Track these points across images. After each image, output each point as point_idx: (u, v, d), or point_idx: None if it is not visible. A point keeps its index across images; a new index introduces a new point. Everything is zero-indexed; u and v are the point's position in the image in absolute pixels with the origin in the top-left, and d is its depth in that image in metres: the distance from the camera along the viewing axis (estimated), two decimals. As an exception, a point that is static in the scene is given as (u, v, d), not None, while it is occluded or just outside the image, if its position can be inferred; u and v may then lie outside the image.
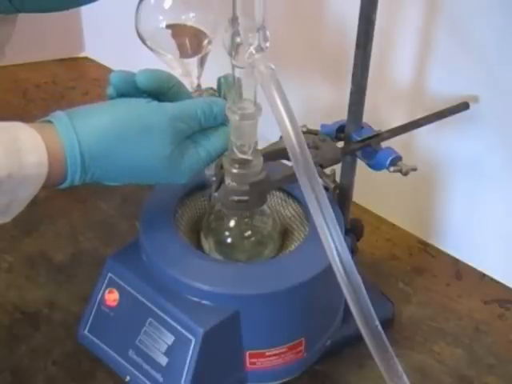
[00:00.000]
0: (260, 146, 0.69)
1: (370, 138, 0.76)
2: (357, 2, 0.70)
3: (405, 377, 0.54)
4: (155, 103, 0.64)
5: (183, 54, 0.72)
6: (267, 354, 0.70)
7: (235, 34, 0.60)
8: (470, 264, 0.94)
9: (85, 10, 1.13)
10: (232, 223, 0.73)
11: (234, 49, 0.61)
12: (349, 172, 0.79)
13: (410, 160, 0.76)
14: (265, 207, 0.73)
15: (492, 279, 0.92)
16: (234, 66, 0.63)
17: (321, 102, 0.98)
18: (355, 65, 0.73)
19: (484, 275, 0.93)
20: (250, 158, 0.67)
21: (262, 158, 0.68)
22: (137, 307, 0.69)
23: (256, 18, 0.59)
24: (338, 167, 0.78)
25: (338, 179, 0.78)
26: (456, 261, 0.95)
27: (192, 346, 0.66)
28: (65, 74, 1.29)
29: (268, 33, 0.60)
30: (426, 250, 0.97)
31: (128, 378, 0.70)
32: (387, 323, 0.80)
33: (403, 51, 0.88)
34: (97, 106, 0.64)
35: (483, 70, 0.82)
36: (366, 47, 0.72)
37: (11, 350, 0.80)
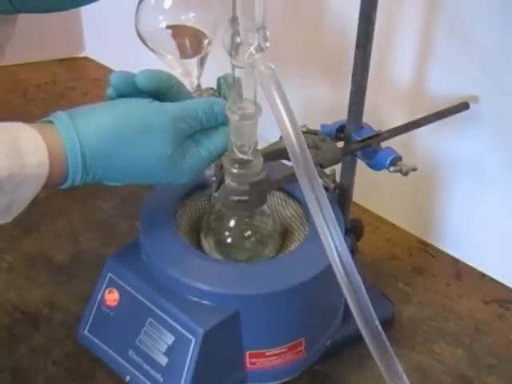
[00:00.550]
0: (260, 146, 0.69)
1: (370, 137, 0.76)
2: (357, 2, 0.70)
3: (405, 377, 0.54)
4: (156, 103, 0.64)
5: (183, 54, 0.72)
6: (267, 353, 0.70)
7: (235, 34, 0.60)
8: (470, 264, 0.94)
9: (85, 10, 1.13)
10: (232, 223, 0.73)
11: (234, 49, 0.61)
12: (349, 172, 0.79)
13: (410, 160, 0.76)
14: (265, 207, 0.73)
15: (492, 279, 0.92)
16: (233, 66, 0.63)
17: (321, 101, 0.98)
18: (355, 65, 0.73)
19: (484, 275, 0.93)
20: (249, 157, 0.67)
21: (261, 158, 0.68)
22: (137, 307, 0.69)
23: (256, 18, 0.59)
24: (338, 167, 0.78)
25: (338, 179, 0.78)
26: (456, 261, 0.95)
27: (192, 346, 0.66)
28: (65, 74, 1.29)
29: (268, 33, 0.60)
30: (426, 250, 0.97)
31: (128, 378, 0.70)
32: (387, 323, 0.80)
33: (403, 51, 0.88)
34: (97, 106, 0.64)
35: (483, 70, 0.82)
36: (365, 47, 0.72)
37: (11, 350, 0.80)
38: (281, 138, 0.66)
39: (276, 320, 0.70)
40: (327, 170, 0.75)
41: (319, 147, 0.74)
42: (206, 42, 0.72)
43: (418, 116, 0.80)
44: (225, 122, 0.67)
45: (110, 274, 0.72)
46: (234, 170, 0.67)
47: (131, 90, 0.65)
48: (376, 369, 0.53)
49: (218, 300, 0.67)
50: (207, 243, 0.74)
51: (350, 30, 0.72)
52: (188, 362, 0.66)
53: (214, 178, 0.71)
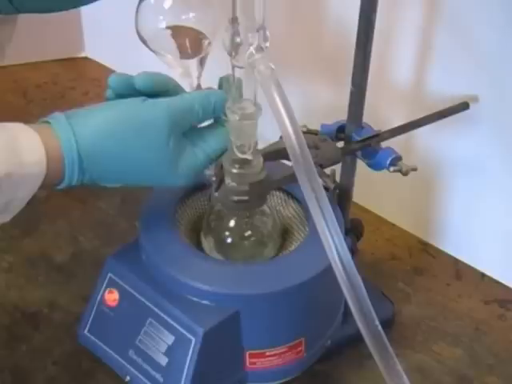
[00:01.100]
0: (260, 146, 0.69)
1: (370, 137, 0.76)
2: (357, 2, 0.70)
3: (405, 377, 0.54)
4: (150, 100, 0.64)
5: (183, 54, 0.72)
6: (267, 353, 0.70)
7: (235, 34, 0.61)
8: (470, 264, 0.94)
9: (85, 9, 1.13)
10: (232, 223, 0.73)
11: (234, 49, 0.61)
12: (349, 172, 0.79)
13: (409, 160, 0.76)
14: (265, 207, 0.73)
15: (492, 279, 0.92)
16: (233, 66, 0.63)
17: (321, 101, 0.98)
18: (355, 65, 0.73)
19: (484, 275, 0.93)
20: (249, 157, 0.67)
21: (262, 158, 0.68)
22: (137, 307, 0.69)
23: (256, 18, 0.59)
24: (338, 167, 0.77)
25: (338, 179, 0.78)
26: (456, 261, 0.95)
27: (192, 345, 0.66)
28: (65, 74, 1.29)
29: (268, 33, 0.60)
30: (426, 249, 0.97)
31: (128, 378, 0.70)
32: (387, 323, 0.80)
33: (403, 51, 0.88)
34: (94, 107, 0.64)
35: (483, 70, 0.82)
36: (365, 47, 0.72)
37: (11, 350, 0.80)
38: (281, 137, 0.66)
39: (276, 320, 0.70)
40: (327, 170, 0.75)
41: (319, 147, 0.74)
42: (206, 42, 0.72)
43: (418, 116, 0.80)
44: (222, 123, 0.67)
45: (110, 274, 0.72)
46: (234, 170, 0.67)
47: (129, 91, 0.65)
48: (376, 369, 0.53)
49: (218, 300, 0.67)
50: (207, 243, 0.74)
51: (350, 30, 0.72)
52: (188, 361, 0.66)
53: (214, 178, 0.71)
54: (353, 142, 0.76)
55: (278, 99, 0.55)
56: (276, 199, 0.79)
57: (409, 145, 0.90)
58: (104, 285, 0.72)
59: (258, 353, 0.70)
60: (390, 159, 0.75)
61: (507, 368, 0.81)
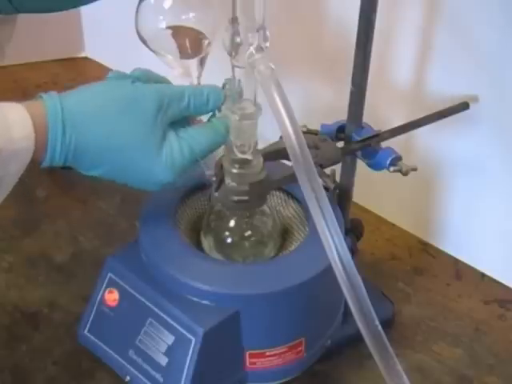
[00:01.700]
0: (260, 146, 0.69)
1: (369, 137, 0.76)
2: (357, 2, 0.70)
3: (405, 377, 0.54)
4: (140, 83, 0.65)
5: (183, 54, 0.72)
6: (267, 353, 0.70)
7: (235, 33, 0.61)
8: (470, 264, 0.94)
9: (85, 9, 1.13)
10: (232, 223, 0.73)
11: (234, 49, 0.61)
12: (349, 172, 0.79)
13: (409, 160, 0.76)
14: (265, 207, 0.73)
15: (492, 279, 0.92)
16: (234, 66, 0.63)
17: (321, 101, 0.98)
18: (355, 65, 0.73)
19: (484, 275, 0.93)
20: (249, 157, 0.67)
21: (262, 158, 0.68)
22: (137, 307, 0.70)
23: (256, 18, 0.59)
24: (338, 167, 0.78)
25: (338, 179, 0.78)
26: (456, 261, 0.95)
27: (192, 345, 0.66)
28: (65, 74, 1.29)
29: (268, 33, 0.60)
30: (426, 249, 0.97)
31: (128, 378, 0.70)
32: (387, 323, 0.80)
33: (403, 51, 0.88)
34: (87, 85, 0.65)
35: (483, 70, 0.82)
36: (365, 47, 0.72)
37: (11, 350, 0.80)
38: (281, 137, 0.66)
39: (276, 320, 0.70)
40: (327, 170, 0.75)
41: (319, 147, 0.74)
42: (206, 42, 0.72)
43: (418, 116, 0.80)
44: (215, 121, 0.67)
45: (110, 274, 0.72)
46: (234, 170, 0.68)
47: None
48: (376, 369, 0.53)
49: (218, 300, 0.67)
50: (207, 243, 0.74)
51: (350, 30, 0.72)
52: (188, 361, 0.66)
53: (214, 178, 0.71)
54: (353, 142, 0.76)
55: (277, 99, 0.55)
56: (276, 199, 0.79)
57: (409, 145, 0.90)
58: (104, 285, 0.72)
59: (257, 353, 0.70)
60: (390, 159, 0.75)
61: (507, 368, 0.81)
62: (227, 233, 0.73)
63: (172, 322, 0.67)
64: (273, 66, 0.57)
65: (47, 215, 0.98)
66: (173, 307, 0.68)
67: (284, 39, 0.90)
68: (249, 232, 0.73)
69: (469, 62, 0.82)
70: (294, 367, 0.73)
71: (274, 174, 0.70)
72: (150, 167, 0.64)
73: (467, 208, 0.91)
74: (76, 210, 1.00)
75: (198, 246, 0.74)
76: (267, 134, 0.69)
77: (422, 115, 0.80)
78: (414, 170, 0.75)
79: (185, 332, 0.66)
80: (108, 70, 1.28)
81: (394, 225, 1.00)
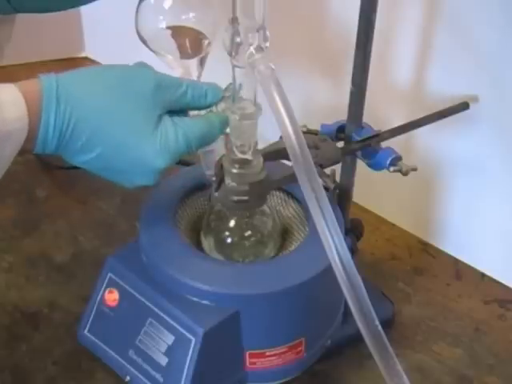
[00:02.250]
0: (260, 146, 0.69)
1: (369, 137, 0.76)
2: (357, 2, 0.70)
3: (405, 377, 0.54)
4: (140, 67, 0.66)
5: (183, 54, 0.72)
6: (267, 353, 0.70)
7: (235, 33, 0.61)
8: (470, 264, 0.94)
9: (85, 9, 1.13)
10: (232, 223, 0.73)
11: (234, 49, 0.61)
12: (349, 172, 0.79)
13: (409, 160, 0.76)
14: (265, 207, 0.73)
15: (492, 279, 0.92)
16: (234, 66, 0.63)
17: (321, 101, 0.98)
18: (355, 65, 0.73)
19: (484, 275, 0.93)
20: (249, 157, 0.67)
21: (262, 158, 0.68)
22: (137, 307, 0.70)
23: (256, 18, 0.59)
24: (338, 167, 0.78)
25: (338, 179, 0.78)
26: (456, 261, 0.95)
27: (192, 345, 0.66)
28: (65, 74, 1.29)
29: (268, 33, 0.60)
30: (426, 249, 0.97)
31: (128, 378, 0.70)
32: (387, 323, 0.80)
33: (403, 51, 0.88)
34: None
35: (483, 70, 0.82)
36: (365, 47, 0.72)
37: (11, 350, 0.80)
38: (281, 137, 0.66)
39: (276, 320, 0.70)
40: (327, 170, 0.75)
41: (319, 147, 0.74)
42: (206, 42, 0.72)
43: (418, 116, 0.80)
44: (211, 114, 0.67)
45: (110, 274, 0.72)
46: (234, 170, 0.68)
47: None
48: (376, 369, 0.53)
49: (218, 300, 0.67)
50: (207, 243, 0.74)
51: (350, 30, 0.72)
52: (188, 361, 0.66)
53: (214, 178, 0.71)
54: (353, 142, 0.76)
55: (277, 99, 0.55)
56: (276, 199, 0.79)
57: (409, 145, 0.90)
58: (104, 285, 0.72)
59: (257, 353, 0.70)
60: (390, 159, 0.75)
61: (507, 368, 0.81)
62: (227, 233, 0.73)
63: (172, 322, 0.67)
64: (273, 66, 0.57)
65: (47, 215, 0.98)
66: (173, 307, 0.68)
67: (284, 39, 0.90)
68: (249, 232, 0.73)
69: (469, 62, 0.82)
70: (294, 367, 0.73)
71: (274, 174, 0.70)
72: (144, 149, 0.63)
73: (467, 208, 0.91)
74: (76, 209, 1.00)
75: (198, 245, 0.74)
76: (267, 134, 0.69)
77: (422, 115, 0.80)
78: (414, 169, 0.75)
79: (185, 332, 0.66)
80: (108, 70, 1.29)
81: (394, 225, 1.00)
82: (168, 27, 0.71)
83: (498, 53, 0.80)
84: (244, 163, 0.67)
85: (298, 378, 0.75)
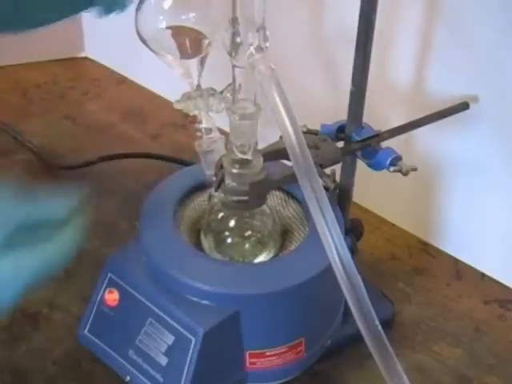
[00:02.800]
0: (260, 146, 0.69)
1: (370, 137, 0.76)
2: (357, 2, 0.70)
3: (405, 377, 0.54)
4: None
5: (183, 54, 0.72)
6: (267, 353, 0.70)
7: (235, 34, 0.61)
8: (470, 264, 0.94)
9: (85, 10, 1.13)
10: (232, 223, 0.73)
11: (234, 49, 0.61)
12: (349, 172, 0.79)
13: (409, 160, 0.76)
14: (265, 207, 0.73)
15: (492, 279, 0.92)
16: (234, 66, 0.63)
17: (321, 101, 0.98)
18: (355, 65, 0.73)
19: (484, 275, 0.93)
20: (249, 157, 0.67)
21: (261, 158, 0.68)
22: (137, 307, 0.70)
23: (256, 18, 0.59)
24: (338, 167, 0.77)
25: (338, 179, 0.78)
26: (456, 261, 0.95)
27: (192, 345, 0.66)
28: (65, 74, 1.29)
29: (268, 33, 0.60)
30: (426, 249, 0.97)
31: (128, 378, 0.70)
32: (387, 323, 0.80)
33: (403, 51, 0.88)
34: None
35: (483, 70, 0.82)
36: (365, 48, 0.72)
37: (11, 350, 0.80)
38: (281, 137, 0.66)
39: (276, 320, 0.70)
40: (327, 170, 0.75)
41: (319, 147, 0.75)
42: (206, 42, 0.72)
43: (418, 116, 0.80)
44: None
45: (109, 274, 0.72)
46: (234, 170, 0.68)
47: None
48: (376, 369, 0.53)
49: (218, 300, 0.67)
50: (207, 243, 0.74)
51: (350, 31, 0.72)
52: (188, 361, 0.66)
53: (214, 178, 0.71)
54: (353, 142, 0.76)
55: (277, 99, 0.55)
56: (276, 199, 0.79)
57: (409, 145, 0.90)
58: (104, 285, 0.72)
59: (257, 353, 0.70)
60: (390, 159, 0.75)
61: (507, 368, 0.81)
62: (227, 233, 0.73)
63: (172, 322, 0.67)
64: (273, 66, 0.57)
65: (47, 215, 0.98)
66: (173, 307, 0.68)
67: (284, 39, 0.90)
68: (249, 232, 0.73)
69: (469, 62, 0.82)
70: (294, 367, 0.73)
71: (273, 174, 0.70)
72: None
73: (467, 208, 0.91)
74: (76, 210, 1.00)
75: (198, 245, 0.74)
76: (267, 134, 0.69)
77: (422, 115, 0.80)
78: (414, 169, 0.75)
79: (185, 332, 0.66)
80: (108, 70, 1.29)
81: (393, 225, 1.00)
82: (168, 27, 0.71)
83: (498, 53, 0.80)
84: (244, 163, 0.67)
85: (298, 378, 0.75)
